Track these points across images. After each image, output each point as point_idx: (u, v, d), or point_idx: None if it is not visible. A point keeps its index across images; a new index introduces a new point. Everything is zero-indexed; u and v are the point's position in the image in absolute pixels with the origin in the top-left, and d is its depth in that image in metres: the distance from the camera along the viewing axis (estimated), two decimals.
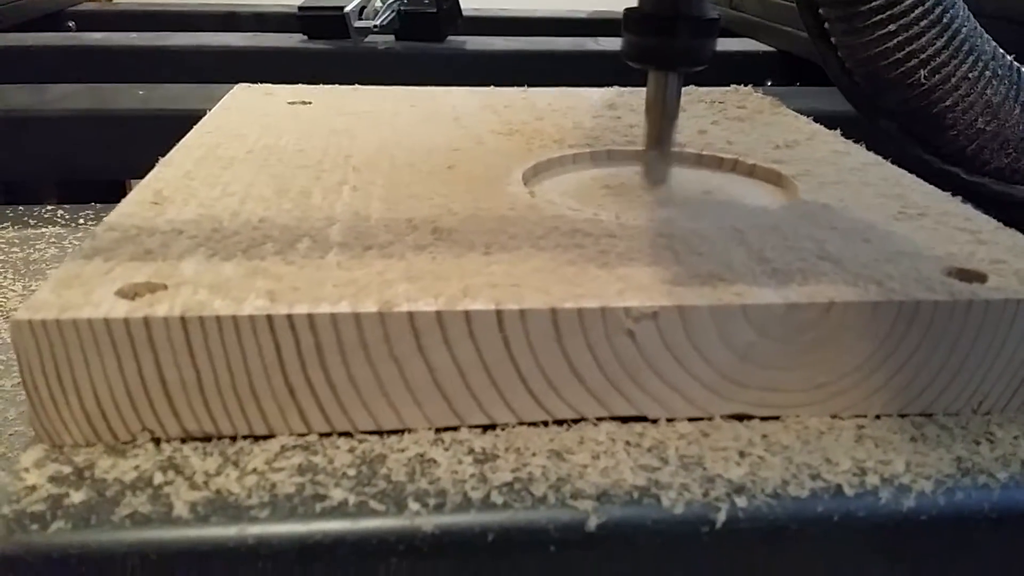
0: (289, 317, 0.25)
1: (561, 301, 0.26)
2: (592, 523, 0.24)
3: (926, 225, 0.33)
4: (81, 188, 0.97)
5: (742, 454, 0.26)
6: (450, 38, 1.10)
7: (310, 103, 0.48)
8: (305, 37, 1.06)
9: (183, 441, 0.27)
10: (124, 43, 1.02)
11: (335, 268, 0.28)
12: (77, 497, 0.24)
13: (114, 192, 1.04)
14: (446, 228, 0.32)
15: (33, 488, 0.24)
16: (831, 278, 0.28)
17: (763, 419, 0.28)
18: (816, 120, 0.49)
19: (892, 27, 0.42)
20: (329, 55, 1.04)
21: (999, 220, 0.52)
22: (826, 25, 0.45)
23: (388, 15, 1.08)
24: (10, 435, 0.27)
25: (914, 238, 0.32)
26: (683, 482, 0.25)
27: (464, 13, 1.13)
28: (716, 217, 0.34)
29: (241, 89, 0.51)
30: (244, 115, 0.46)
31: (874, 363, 0.28)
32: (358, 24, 1.06)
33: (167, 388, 0.26)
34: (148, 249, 0.29)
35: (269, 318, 0.25)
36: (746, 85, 0.90)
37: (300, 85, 0.52)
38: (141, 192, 0.34)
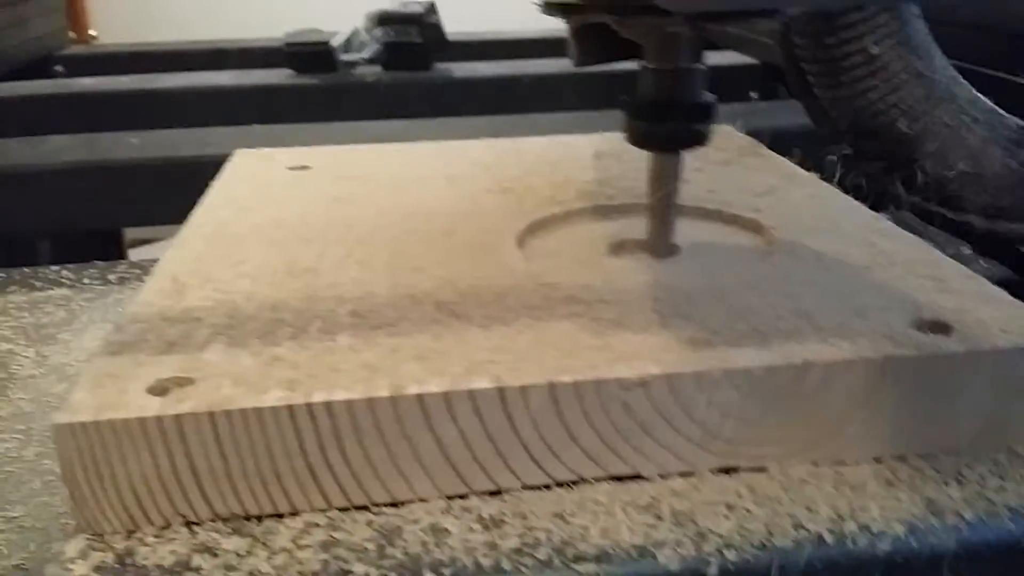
0: (308, 406, 0.28)
1: (557, 375, 0.29)
2: None
3: (895, 275, 0.35)
4: (76, 238, 0.99)
5: (730, 507, 0.29)
6: (437, 66, 1.12)
7: (309, 167, 0.51)
8: (293, 72, 1.08)
9: (214, 521, 0.29)
10: (114, 87, 1.04)
11: (347, 351, 0.31)
12: None
13: (110, 241, 1.07)
14: (447, 302, 0.34)
15: None
16: (806, 337, 0.31)
17: (749, 471, 0.30)
18: (802, 133, 0.51)
19: (873, 82, 0.44)
20: (317, 89, 1.06)
21: (986, 253, 0.55)
22: (809, 78, 0.47)
23: (374, 47, 1.10)
24: (35, 504, 0.30)
25: (884, 289, 0.34)
26: (677, 538, 0.27)
27: (450, 38, 1.15)
28: (701, 274, 0.37)
29: (241, 155, 0.54)
30: (247, 186, 0.48)
31: (849, 415, 0.30)
32: (345, 57, 1.08)
33: (198, 476, 0.28)
34: (171, 341, 0.32)
35: (289, 408, 0.28)
36: (731, 98, 0.92)
37: (298, 148, 0.54)
38: (159, 279, 0.37)
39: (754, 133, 0.59)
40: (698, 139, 0.37)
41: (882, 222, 0.41)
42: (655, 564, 0.27)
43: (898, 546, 0.27)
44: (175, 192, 0.78)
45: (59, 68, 1.25)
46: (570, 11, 0.34)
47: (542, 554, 0.27)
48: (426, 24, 1.11)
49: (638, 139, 0.38)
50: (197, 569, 0.27)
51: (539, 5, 0.37)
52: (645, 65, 0.37)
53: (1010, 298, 0.33)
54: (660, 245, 0.40)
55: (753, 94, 1.07)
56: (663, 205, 0.39)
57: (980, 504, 0.29)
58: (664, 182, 0.38)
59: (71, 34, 1.40)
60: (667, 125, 0.37)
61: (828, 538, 0.27)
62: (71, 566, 0.27)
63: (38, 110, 1.01)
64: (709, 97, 0.37)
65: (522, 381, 0.29)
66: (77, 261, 0.57)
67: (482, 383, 0.28)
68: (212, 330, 0.32)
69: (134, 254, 1.27)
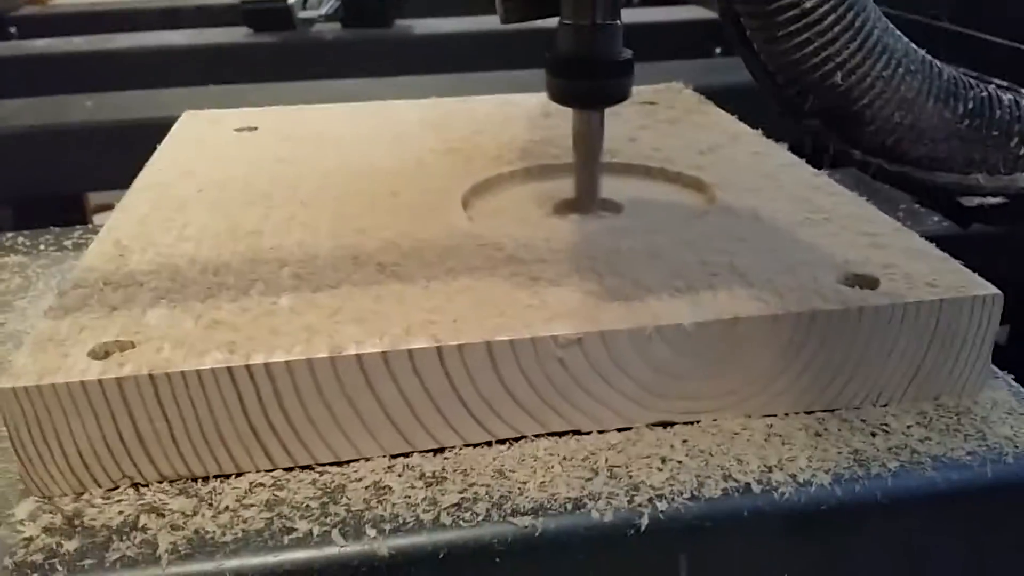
0: (248, 368, 0.28)
1: (494, 333, 0.29)
2: (530, 536, 0.27)
3: (829, 231, 0.36)
4: (39, 204, 0.98)
5: (664, 460, 0.30)
6: (397, 22, 1.11)
7: (256, 128, 0.51)
8: (250, 30, 1.06)
9: (160, 483, 0.29)
10: (68, 49, 1.03)
11: (288, 313, 0.31)
12: (70, 545, 0.27)
13: (73, 208, 1.05)
14: (390, 264, 0.34)
15: (30, 540, 0.27)
16: (736, 293, 0.31)
17: (684, 424, 0.31)
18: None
19: (807, 34, 0.44)
20: (275, 48, 1.05)
21: (925, 203, 0.56)
22: (747, 33, 0.48)
23: (332, 3, 1.08)
24: None
25: (816, 245, 0.35)
26: (611, 491, 0.28)
27: None
28: (640, 232, 0.37)
29: (188, 117, 0.53)
30: (192, 148, 0.48)
31: (779, 368, 0.31)
32: (303, 15, 1.07)
33: (142, 438, 0.29)
34: (113, 305, 0.32)
35: (229, 370, 0.28)
36: (693, 54, 0.92)
37: (246, 108, 0.54)
38: (102, 243, 0.37)
39: (708, 89, 0.60)
40: (617, 95, 0.38)
41: (820, 178, 0.42)
42: (589, 517, 0.28)
43: (824, 495, 0.28)
44: (130, 155, 0.78)
45: (12, 30, 1.23)
46: None
47: (480, 509, 0.28)
48: None
49: (558, 96, 0.38)
50: (144, 528, 0.27)
51: None
52: (563, 21, 0.37)
53: (938, 252, 0.34)
54: (587, 201, 0.40)
55: (717, 49, 1.07)
56: (587, 161, 0.40)
57: (904, 454, 0.30)
58: (586, 138, 0.39)
59: None
60: (586, 81, 0.37)
61: (756, 488, 0.28)
62: (21, 528, 0.28)
63: None
64: (627, 53, 0.37)
65: (460, 340, 0.29)
66: (39, 227, 0.57)
67: (420, 343, 0.29)
68: (154, 294, 0.33)
69: (99, 219, 1.26)
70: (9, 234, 0.55)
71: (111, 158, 0.79)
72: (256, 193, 0.41)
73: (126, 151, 0.77)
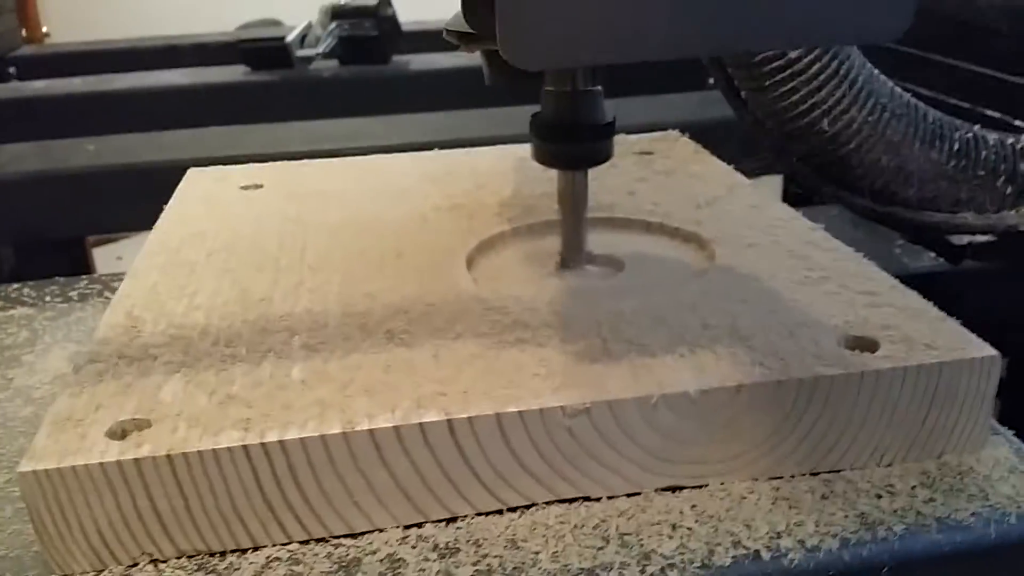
0: (263, 445, 0.29)
1: (504, 405, 0.30)
2: None
3: (828, 289, 0.37)
4: (39, 247, 0.98)
5: (674, 527, 0.30)
6: (395, 58, 1.12)
7: (262, 186, 0.51)
8: (248, 68, 1.07)
9: (179, 559, 0.30)
10: (68, 90, 1.03)
11: (299, 387, 0.32)
12: None
13: (75, 248, 1.06)
14: (398, 330, 0.35)
15: None
16: (739, 358, 0.32)
17: (692, 488, 0.32)
18: None
19: (794, 83, 0.46)
20: (274, 86, 1.06)
21: (914, 241, 0.56)
22: (736, 83, 0.49)
23: (330, 41, 1.10)
24: (8, 532, 0.31)
25: (815, 306, 0.35)
26: (623, 560, 0.29)
27: (405, 28, 1.15)
28: (642, 293, 0.38)
29: (194, 174, 0.54)
30: (200, 207, 0.48)
31: (783, 432, 0.31)
32: (301, 53, 1.08)
33: (160, 515, 0.29)
34: (128, 382, 0.32)
35: (245, 448, 0.29)
36: (689, 86, 0.93)
37: (250, 166, 0.55)
38: (114, 313, 0.37)
39: (705, 124, 0.61)
40: (599, 158, 0.39)
41: (817, 233, 0.42)
42: None
43: (832, 560, 0.29)
44: (134, 199, 0.79)
45: (12, 70, 1.24)
46: (466, 40, 0.35)
47: None
48: (381, 16, 1.11)
49: (542, 158, 0.39)
50: None
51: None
52: (545, 87, 0.38)
53: (936, 312, 0.35)
54: (574, 258, 0.41)
55: (710, 80, 1.08)
56: (572, 222, 0.40)
57: (910, 516, 0.30)
58: (570, 198, 0.40)
59: (23, 32, 1.38)
60: (568, 145, 0.38)
61: (765, 555, 0.29)
62: None
63: None
64: (608, 117, 0.38)
65: (470, 412, 0.30)
66: (39, 265, 0.58)
67: (431, 416, 0.30)
68: (167, 368, 0.33)
69: (98, 253, 1.26)
70: (15, 285, 0.56)
71: (112, 202, 0.79)
72: (265, 256, 0.42)
73: (129, 195, 0.79)
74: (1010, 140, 0.52)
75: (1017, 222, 0.52)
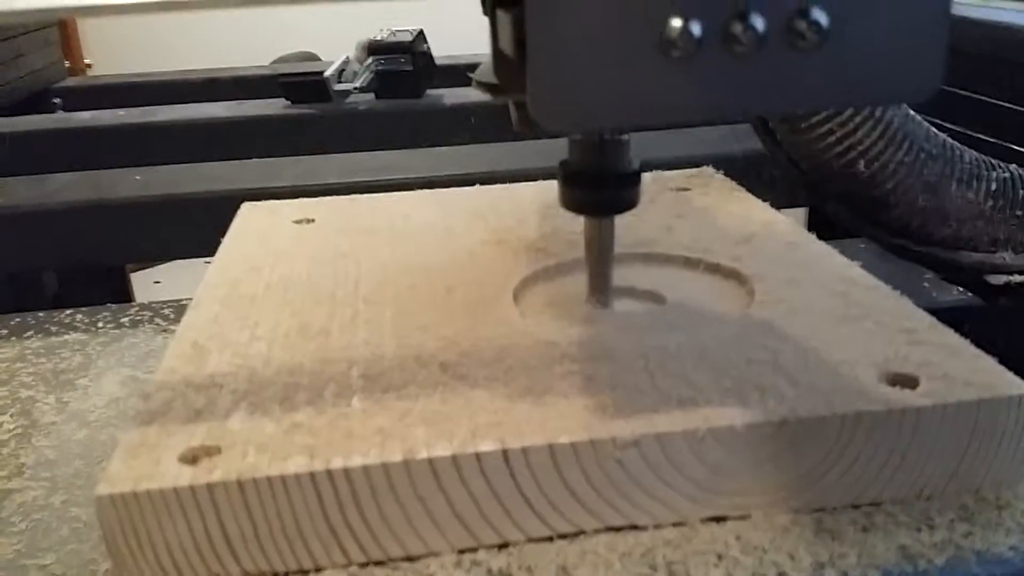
0: (328, 472, 0.30)
1: (556, 436, 0.31)
2: None
3: (867, 327, 0.38)
4: (81, 273, 1.01)
5: (719, 556, 0.31)
6: (428, 92, 1.15)
7: (313, 220, 0.53)
8: (287, 101, 1.10)
9: None
10: (112, 122, 1.07)
11: (360, 415, 0.33)
12: None
13: (115, 273, 1.09)
14: (451, 363, 0.36)
15: None
16: (783, 393, 0.33)
17: (736, 519, 0.33)
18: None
19: (829, 125, 0.47)
20: (312, 119, 1.09)
21: (949, 280, 0.57)
22: (771, 125, 0.50)
23: (367, 76, 1.12)
24: (65, 551, 0.32)
25: (855, 342, 0.37)
26: None
27: (439, 63, 1.17)
28: (685, 329, 0.39)
29: (248, 209, 0.56)
30: (255, 242, 0.50)
31: (826, 465, 0.33)
32: (338, 87, 1.11)
33: (228, 538, 0.31)
34: (197, 409, 0.34)
35: (311, 474, 0.30)
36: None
37: (302, 199, 0.57)
38: (180, 344, 0.39)
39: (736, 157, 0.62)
40: (626, 205, 0.39)
41: (854, 270, 0.44)
42: None
43: None
44: (179, 228, 0.81)
45: (57, 101, 1.27)
46: (494, 92, 0.36)
47: None
48: (416, 52, 1.14)
49: (569, 204, 0.40)
50: None
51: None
52: (572, 136, 0.39)
53: (974, 350, 0.36)
54: (601, 302, 0.42)
55: None
56: (599, 265, 0.41)
57: (949, 549, 0.31)
58: (597, 243, 0.41)
59: (67, 64, 1.42)
60: (596, 192, 0.39)
61: None
62: None
63: (38, 145, 1.03)
64: (635, 164, 0.39)
65: (524, 443, 0.31)
66: (82, 289, 0.60)
67: (487, 446, 0.31)
68: (234, 396, 0.35)
69: (136, 278, 1.29)
70: (67, 311, 0.58)
71: (158, 231, 0.82)
72: (320, 290, 0.44)
73: (173, 224, 0.81)
74: None
75: None
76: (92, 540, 0.33)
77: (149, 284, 2.01)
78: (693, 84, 0.27)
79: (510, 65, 0.30)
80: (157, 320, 0.56)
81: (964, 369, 0.34)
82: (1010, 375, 0.34)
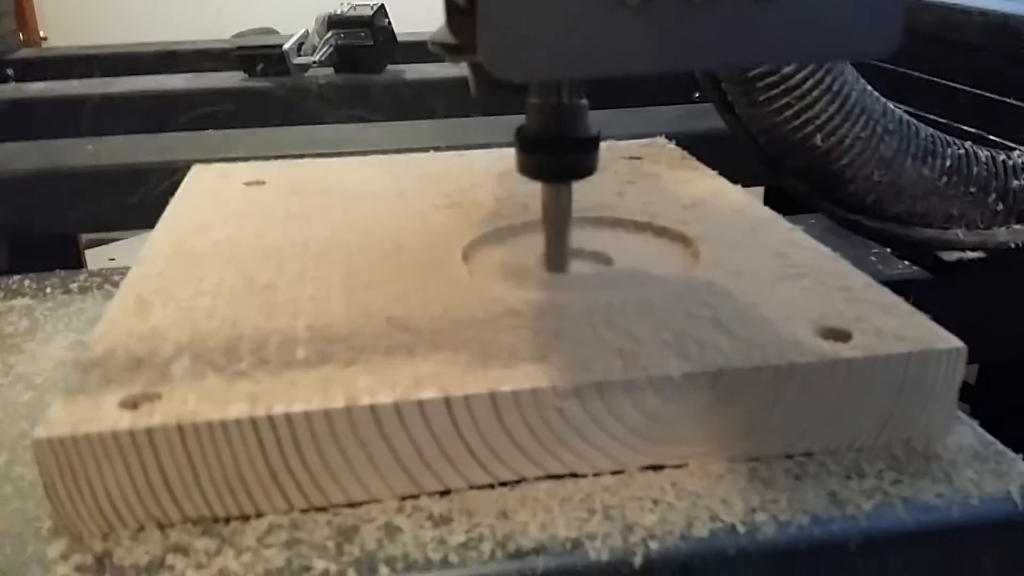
0: (270, 418, 0.30)
1: (498, 384, 0.32)
2: (532, 574, 0.29)
3: (805, 285, 0.39)
4: (32, 243, 0.99)
5: (655, 502, 0.32)
6: (389, 68, 1.14)
7: (264, 182, 0.53)
8: (245, 75, 1.09)
9: (184, 523, 0.31)
10: (67, 92, 1.05)
11: (304, 365, 0.33)
12: None
13: (69, 248, 1.08)
14: (398, 317, 0.37)
15: None
16: (720, 345, 0.34)
17: (673, 468, 0.34)
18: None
19: (787, 99, 0.48)
20: (271, 92, 1.08)
21: (902, 257, 0.59)
22: (729, 98, 0.51)
23: (326, 50, 1.12)
24: (9, 509, 0.32)
25: (793, 299, 0.37)
26: (607, 531, 0.31)
27: (401, 39, 1.17)
28: (631, 286, 0.40)
29: (198, 171, 0.56)
30: (204, 203, 0.50)
31: (761, 415, 0.33)
32: (297, 60, 1.10)
33: (168, 482, 0.31)
34: (139, 358, 0.34)
35: (252, 420, 0.30)
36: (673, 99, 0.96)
37: (253, 163, 0.56)
38: (124, 298, 0.39)
39: (691, 135, 0.63)
40: (584, 171, 0.39)
41: (796, 233, 0.44)
42: (587, 555, 0.30)
43: (803, 535, 0.31)
44: (132, 199, 0.80)
45: (10, 72, 1.25)
46: (451, 51, 0.36)
47: (486, 548, 0.30)
48: (376, 26, 1.13)
49: (526, 170, 0.39)
50: (171, 568, 0.29)
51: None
52: (530, 100, 0.38)
53: (907, 306, 0.37)
54: (557, 268, 0.42)
55: (696, 95, 1.11)
56: (556, 231, 0.41)
57: (878, 496, 0.32)
58: (554, 209, 0.41)
59: (20, 36, 1.39)
60: (552, 158, 0.39)
61: (740, 528, 0.31)
62: (53, 567, 0.29)
63: None
64: (593, 131, 0.38)
65: (466, 391, 0.31)
66: (34, 262, 0.59)
67: (430, 393, 0.31)
68: (176, 347, 0.35)
69: (90, 255, 1.27)
70: (15, 277, 0.57)
71: (110, 202, 0.81)
72: (269, 248, 0.44)
73: (126, 195, 0.80)
74: (1001, 157, 0.54)
75: (1007, 239, 0.54)
76: (36, 498, 0.33)
77: (104, 261, 1.99)
78: (649, 32, 0.27)
79: (464, 17, 0.29)
80: (107, 286, 0.55)
81: (897, 324, 0.35)
82: (941, 330, 0.35)
